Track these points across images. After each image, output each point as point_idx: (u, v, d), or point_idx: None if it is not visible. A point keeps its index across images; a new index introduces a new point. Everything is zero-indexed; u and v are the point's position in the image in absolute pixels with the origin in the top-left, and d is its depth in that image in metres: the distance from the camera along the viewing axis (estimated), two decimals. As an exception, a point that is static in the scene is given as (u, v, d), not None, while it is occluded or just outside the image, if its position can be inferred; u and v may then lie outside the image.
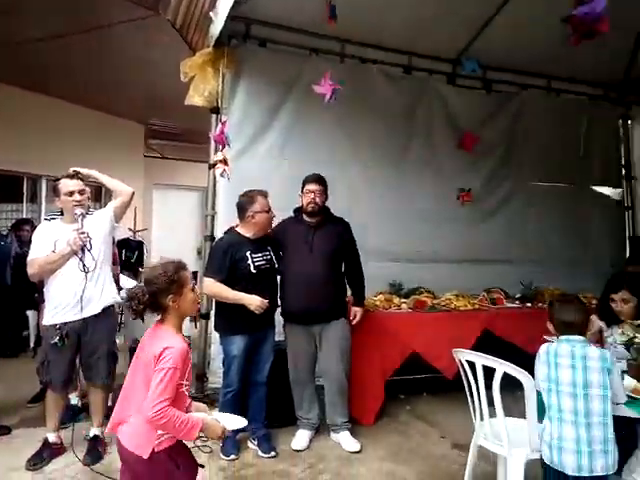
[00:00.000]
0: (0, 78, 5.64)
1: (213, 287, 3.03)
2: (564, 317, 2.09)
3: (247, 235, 3.10)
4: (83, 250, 2.87)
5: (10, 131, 5.88)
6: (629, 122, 5.46)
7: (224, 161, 3.35)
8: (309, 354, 3.26)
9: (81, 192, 2.97)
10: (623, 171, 5.48)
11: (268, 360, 3.17)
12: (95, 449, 3.02)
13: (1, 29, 4.30)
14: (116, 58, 5.09)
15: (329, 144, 4.28)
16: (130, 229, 7.19)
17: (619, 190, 5.42)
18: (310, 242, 3.18)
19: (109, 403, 3.40)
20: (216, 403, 3.74)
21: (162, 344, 1.71)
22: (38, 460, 2.91)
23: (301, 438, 3.22)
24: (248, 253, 3.03)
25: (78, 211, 2.91)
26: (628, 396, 2.09)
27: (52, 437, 3.01)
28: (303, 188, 3.26)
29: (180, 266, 1.84)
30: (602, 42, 3.92)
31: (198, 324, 4.12)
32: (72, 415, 3.45)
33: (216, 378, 3.86)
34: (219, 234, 3.94)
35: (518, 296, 4.28)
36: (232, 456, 3.04)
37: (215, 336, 3.94)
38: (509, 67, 4.84)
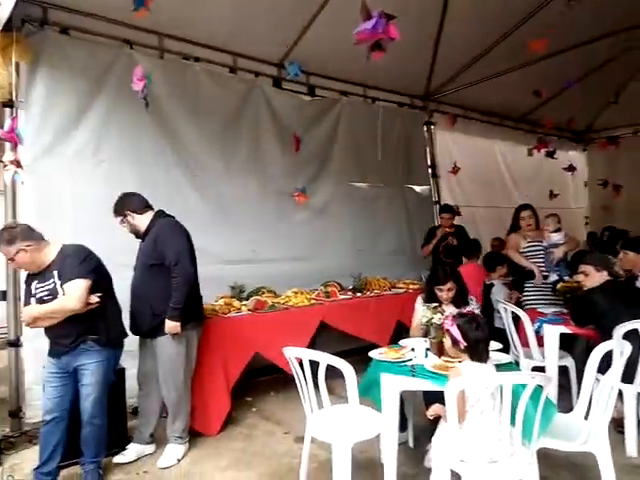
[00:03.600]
0: None
1: None
2: None
3: None
4: None
5: None
6: (432, 127, 6.29)
7: (16, 162, 2.89)
8: (149, 367, 3.14)
9: None
10: (430, 170, 6.29)
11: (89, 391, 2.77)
12: None
13: None
14: None
15: (152, 145, 4.01)
16: None
17: (427, 187, 6.22)
18: (137, 260, 3.12)
19: None
20: (34, 440, 3.30)
21: None
22: None
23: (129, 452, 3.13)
24: (34, 283, 2.69)
25: None
26: (430, 372, 2.39)
27: None
28: None
29: None
30: (408, 56, 4.53)
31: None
32: None
33: (36, 411, 3.37)
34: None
35: (350, 287, 4.61)
36: None
37: (29, 364, 3.46)
38: (330, 74, 5.15)
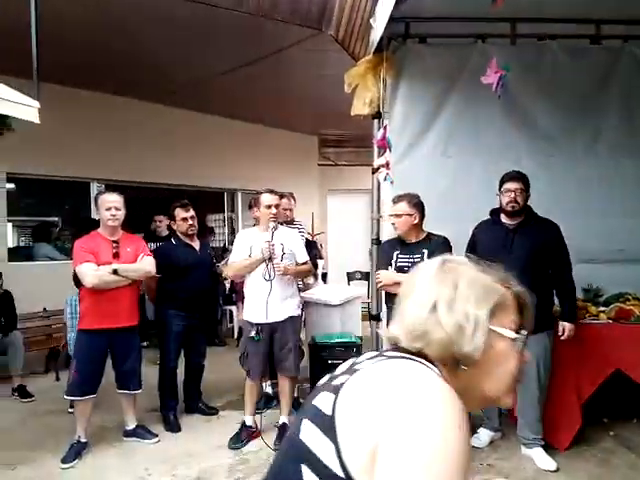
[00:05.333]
0: (201, 109, 6.74)
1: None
2: None
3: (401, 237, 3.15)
4: (270, 260, 3.23)
5: (212, 155, 6.96)
6: None
7: (386, 165, 3.38)
8: None
9: (277, 206, 3.34)
10: None
11: None
12: (283, 436, 3.35)
13: (199, 69, 5.13)
14: (289, 78, 5.55)
15: (499, 136, 3.90)
16: (309, 233, 7.77)
17: None
18: (508, 246, 3.02)
19: (295, 394, 3.77)
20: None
21: None
22: (237, 441, 3.36)
23: (482, 435, 3.25)
24: (395, 253, 3.10)
25: (271, 224, 3.29)
26: None
27: (249, 421, 3.45)
28: (501, 187, 3.09)
29: None
30: None
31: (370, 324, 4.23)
32: (266, 402, 3.92)
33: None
34: (385, 237, 3.99)
35: None
36: None
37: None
38: None
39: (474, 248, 3.15)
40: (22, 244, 7.91)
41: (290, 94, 6.07)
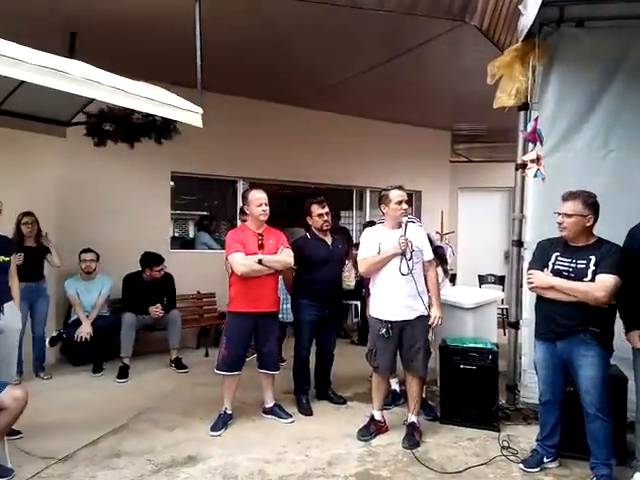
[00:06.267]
0: (335, 110, 6.95)
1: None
2: None
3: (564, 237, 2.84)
4: (404, 255, 3.22)
5: (343, 153, 7.15)
6: None
7: (537, 160, 3.12)
8: None
9: (406, 202, 3.33)
10: None
11: (590, 385, 2.70)
12: (412, 435, 3.33)
13: (339, 72, 5.31)
14: (425, 74, 5.45)
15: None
16: (437, 232, 7.54)
17: None
18: None
19: (423, 395, 3.71)
20: (528, 419, 3.57)
21: None
22: (366, 433, 3.42)
23: None
24: (554, 255, 2.81)
25: (404, 219, 3.29)
26: None
27: (377, 415, 3.49)
28: None
29: None
30: None
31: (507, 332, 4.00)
32: (392, 399, 3.94)
33: (529, 393, 3.67)
34: (528, 239, 3.72)
35: None
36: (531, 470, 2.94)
37: (525, 348, 3.75)
38: None
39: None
40: (176, 235, 9.05)
41: (425, 90, 5.96)
